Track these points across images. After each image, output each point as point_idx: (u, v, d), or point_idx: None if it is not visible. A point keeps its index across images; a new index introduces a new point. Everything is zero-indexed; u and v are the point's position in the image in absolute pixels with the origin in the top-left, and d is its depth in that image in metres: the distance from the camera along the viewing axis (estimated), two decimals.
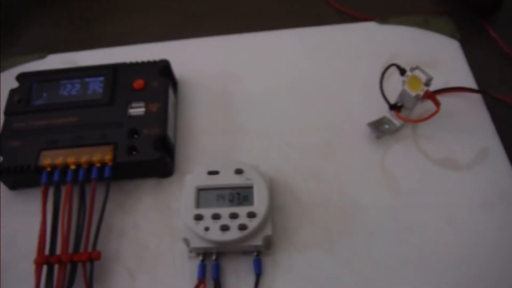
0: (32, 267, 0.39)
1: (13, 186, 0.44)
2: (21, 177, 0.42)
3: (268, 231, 0.37)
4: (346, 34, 0.52)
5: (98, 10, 0.61)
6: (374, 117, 0.45)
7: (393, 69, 0.43)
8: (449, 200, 0.41)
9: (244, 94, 0.49)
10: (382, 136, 0.44)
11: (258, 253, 0.38)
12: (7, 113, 0.45)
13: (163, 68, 0.46)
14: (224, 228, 0.37)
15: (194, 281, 0.38)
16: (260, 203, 0.38)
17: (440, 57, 0.49)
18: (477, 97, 0.46)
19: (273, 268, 0.38)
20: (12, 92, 0.46)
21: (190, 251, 0.39)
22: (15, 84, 0.47)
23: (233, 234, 0.37)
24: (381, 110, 0.45)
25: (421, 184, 0.42)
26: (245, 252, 0.39)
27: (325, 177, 0.43)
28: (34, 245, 0.40)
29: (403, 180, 0.42)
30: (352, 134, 0.45)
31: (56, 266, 0.38)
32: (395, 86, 0.44)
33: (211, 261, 0.38)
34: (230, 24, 0.56)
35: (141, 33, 0.57)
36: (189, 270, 0.39)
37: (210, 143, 0.46)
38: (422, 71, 0.41)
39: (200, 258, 0.38)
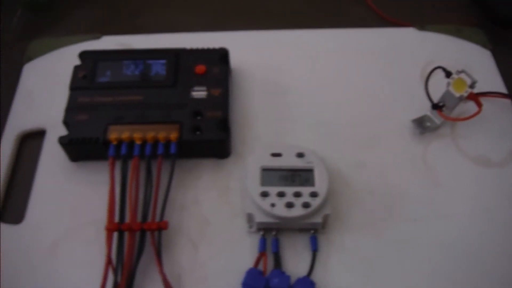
0: (96, 234, 0.41)
1: (75, 157, 0.46)
2: (87, 149, 0.44)
3: (327, 210, 0.40)
4: (388, 37, 0.56)
5: None
6: (414, 115, 0.49)
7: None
8: (481, 194, 0.45)
9: (292, 86, 0.52)
10: (424, 132, 0.48)
11: (315, 231, 0.41)
12: (72, 88, 0.46)
13: (223, 56, 0.49)
14: (289, 205, 0.39)
15: (253, 254, 0.40)
16: (321, 184, 0.41)
17: (473, 64, 0.53)
18: (509, 103, 0.50)
19: (327, 246, 0.41)
20: (77, 68, 0.47)
21: (251, 226, 0.41)
22: (72, 62, 0.48)
23: (298, 211, 0.39)
24: (421, 109, 0.49)
25: (457, 177, 0.46)
26: (302, 230, 0.42)
27: (371, 166, 0.46)
28: (96, 214, 0.42)
29: (441, 173, 0.46)
30: (396, 129, 0.49)
31: (126, 234, 0.40)
32: (433, 87, 0.48)
33: (271, 237, 0.41)
34: (273, 21, 0.59)
35: (186, 24, 0.59)
36: (248, 244, 0.41)
37: (261, 129, 0.49)
38: (468, 74, 0.45)
39: (261, 233, 0.41)
